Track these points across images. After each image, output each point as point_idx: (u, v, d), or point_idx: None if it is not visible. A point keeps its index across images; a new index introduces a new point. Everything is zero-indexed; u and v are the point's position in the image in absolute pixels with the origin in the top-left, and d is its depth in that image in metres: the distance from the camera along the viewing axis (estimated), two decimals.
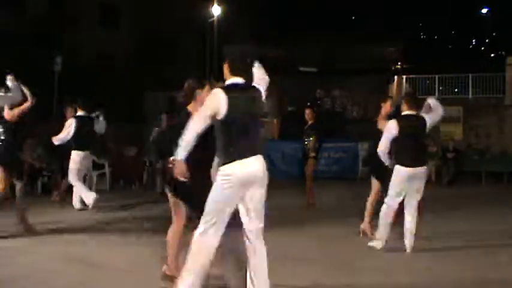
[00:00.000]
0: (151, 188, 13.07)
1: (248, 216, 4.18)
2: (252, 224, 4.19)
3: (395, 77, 21.09)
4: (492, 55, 39.06)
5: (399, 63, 21.47)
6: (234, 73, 4.23)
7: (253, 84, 4.34)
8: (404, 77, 21.40)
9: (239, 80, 4.23)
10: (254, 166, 4.13)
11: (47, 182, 12.30)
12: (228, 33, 24.30)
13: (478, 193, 12.43)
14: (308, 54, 20.15)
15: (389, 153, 6.39)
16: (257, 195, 4.17)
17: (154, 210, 9.84)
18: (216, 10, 25.22)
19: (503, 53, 31.71)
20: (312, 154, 9.96)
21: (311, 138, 9.89)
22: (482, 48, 43.25)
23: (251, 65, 4.42)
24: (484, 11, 39.85)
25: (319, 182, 11.54)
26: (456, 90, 21.18)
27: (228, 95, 4.06)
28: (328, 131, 14.76)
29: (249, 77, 4.33)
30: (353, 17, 39.14)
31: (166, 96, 20.76)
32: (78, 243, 6.83)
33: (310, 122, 10.05)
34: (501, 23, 36.76)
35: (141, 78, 21.67)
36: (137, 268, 5.53)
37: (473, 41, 44.45)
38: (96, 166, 13.02)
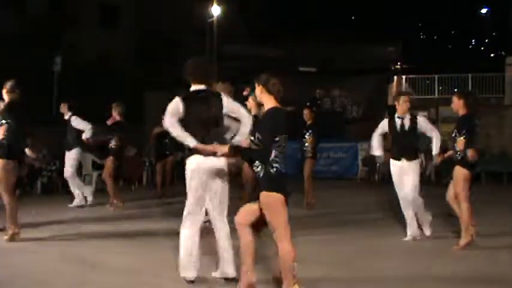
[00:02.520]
0: (151, 188, 13.09)
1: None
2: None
3: (395, 77, 21.08)
4: (492, 55, 39.04)
5: (399, 63, 21.43)
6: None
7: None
8: (404, 77, 21.39)
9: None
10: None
11: (46, 182, 12.34)
12: (228, 33, 24.28)
13: (477, 193, 12.39)
14: (308, 54, 20.11)
15: None
16: None
17: (154, 210, 9.85)
18: (216, 10, 25.20)
19: (503, 53, 31.67)
20: (310, 154, 9.99)
21: (309, 138, 9.93)
22: (482, 48, 43.23)
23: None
24: (484, 11, 39.84)
25: (319, 182, 11.55)
26: (456, 90, 21.18)
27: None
28: (328, 131, 14.76)
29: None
30: (353, 17, 39.13)
31: (167, 96, 20.70)
32: (78, 243, 6.84)
33: (308, 122, 10.08)
34: (501, 23, 36.71)
35: (141, 78, 21.66)
36: (137, 268, 5.53)
37: (473, 41, 44.43)
38: (96, 166, 13.05)
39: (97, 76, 20.18)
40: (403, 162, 6.90)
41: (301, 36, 25.84)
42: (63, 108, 10.16)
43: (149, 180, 14.44)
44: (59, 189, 12.31)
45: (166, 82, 22.02)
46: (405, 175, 6.87)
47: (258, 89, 4.42)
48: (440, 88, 21.19)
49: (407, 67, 22.34)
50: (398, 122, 6.95)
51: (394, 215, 8.94)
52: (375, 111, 20.00)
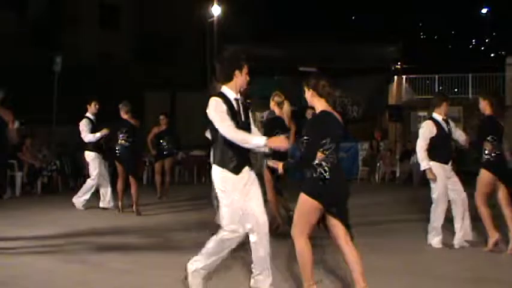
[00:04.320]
0: (151, 188, 13.06)
1: None
2: None
3: (396, 77, 21.08)
4: (492, 55, 39.04)
5: (399, 63, 21.42)
6: None
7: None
8: (404, 77, 21.39)
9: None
10: None
11: (47, 182, 12.32)
12: (228, 33, 24.29)
13: None
14: (308, 54, 20.10)
15: None
16: None
17: (154, 210, 9.84)
18: (216, 10, 25.20)
19: (503, 53, 31.67)
20: None
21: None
22: (482, 48, 43.22)
23: None
24: (484, 11, 39.83)
25: None
26: (456, 90, 21.18)
27: None
28: None
29: None
30: (353, 17, 39.13)
31: (166, 96, 20.72)
32: (78, 243, 6.82)
33: None
34: (501, 23, 36.73)
35: (141, 78, 21.67)
36: (137, 268, 5.53)
37: (473, 41, 44.41)
38: None
39: (97, 76, 20.18)
40: (448, 166, 6.85)
41: (301, 36, 25.82)
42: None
43: (149, 180, 14.44)
44: (59, 189, 12.31)
45: (166, 82, 22.01)
46: (449, 178, 6.83)
47: (309, 94, 4.46)
48: (440, 88, 21.17)
49: (408, 67, 22.32)
50: (444, 125, 6.87)
51: (394, 215, 8.96)
52: (375, 111, 20.01)
